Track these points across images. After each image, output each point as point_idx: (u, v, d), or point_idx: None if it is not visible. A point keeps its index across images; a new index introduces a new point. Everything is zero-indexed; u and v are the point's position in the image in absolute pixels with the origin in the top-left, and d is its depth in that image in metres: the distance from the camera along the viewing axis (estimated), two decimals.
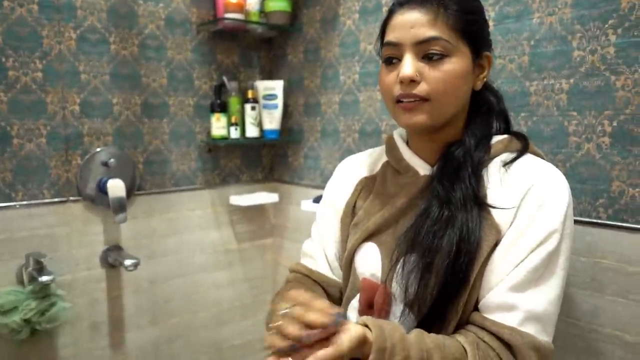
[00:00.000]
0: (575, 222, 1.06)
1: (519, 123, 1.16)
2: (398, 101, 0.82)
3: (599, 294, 1.06)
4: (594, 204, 1.06)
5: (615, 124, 1.02)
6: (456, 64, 0.80)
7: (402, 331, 0.73)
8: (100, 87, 1.52)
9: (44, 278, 1.32)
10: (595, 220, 1.05)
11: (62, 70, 1.45)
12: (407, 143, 0.94)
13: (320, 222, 1.02)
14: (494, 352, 0.75)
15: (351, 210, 0.96)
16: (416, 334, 0.74)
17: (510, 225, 0.79)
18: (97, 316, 1.57)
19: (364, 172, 0.99)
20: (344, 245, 0.96)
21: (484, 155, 0.84)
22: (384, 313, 0.84)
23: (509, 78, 1.18)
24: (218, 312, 1.85)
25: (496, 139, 0.87)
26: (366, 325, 0.72)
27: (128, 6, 1.56)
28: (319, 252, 1.00)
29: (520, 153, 0.85)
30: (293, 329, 0.67)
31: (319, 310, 0.68)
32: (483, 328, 0.77)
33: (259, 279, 1.95)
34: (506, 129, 0.91)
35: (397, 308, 0.84)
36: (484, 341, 0.76)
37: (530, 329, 0.76)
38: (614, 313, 1.04)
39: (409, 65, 0.79)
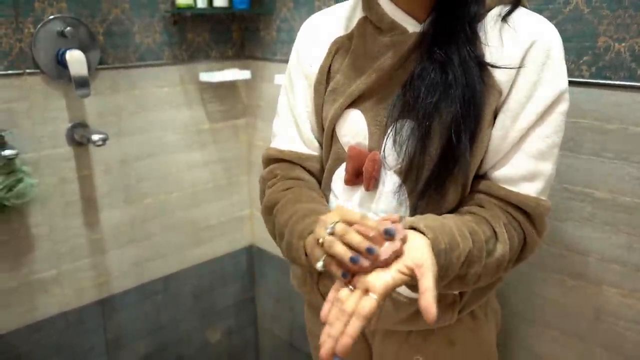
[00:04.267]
0: None
1: None
2: None
3: (574, 154, 1.07)
4: (577, 62, 1.03)
5: None
6: None
7: (445, 222, 0.72)
8: None
9: (7, 152, 1.27)
10: (577, 80, 1.03)
11: None
12: None
13: (289, 91, 0.93)
14: (519, 225, 0.76)
15: (326, 76, 0.87)
16: (453, 220, 0.73)
17: (512, 85, 0.75)
18: (69, 195, 1.54)
19: (337, 31, 0.87)
20: (318, 114, 0.88)
21: (479, 9, 0.77)
22: (374, 181, 0.81)
23: None
24: (193, 193, 1.84)
25: None
26: (413, 228, 0.70)
27: None
28: (289, 127, 0.92)
29: (515, 5, 0.78)
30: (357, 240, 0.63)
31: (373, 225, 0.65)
32: (508, 202, 0.76)
33: (233, 160, 1.92)
34: None
35: (389, 177, 0.80)
36: (510, 214, 0.76)
37: (545, 195, 0.78)
38: (587, 171, 1.06)
39: None
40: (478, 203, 0.78)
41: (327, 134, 0.86)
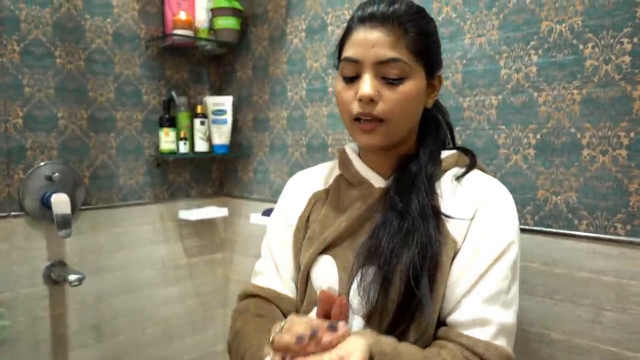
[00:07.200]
0: None
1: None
2: (356, 119, 0.83)
3: (529, 296, 1.13)
4: (522, 211, 1.13)
5: (538, 136, 1.10)
6: (412, 86, 0.82)
7: (395, 342, 0.74)
8: (44, 101, 1.51)
9: None
10: (523, 227, 1.12)
11: (5, 83, 1.43)
12: (359, 156, 0.95)
13: (272, 238, 1.00)
14: None
15: (304, 225, 0.96)
16: (405, 345, 0.75)
17: (465, 237, 0.82)
18: (39, 335, 1.53)
19: (316, 186, 0.99)
20: (297, 259, 0.95)
21: (436, 169, 0.87)
22: None
23: (445, 94, 1.25)
24: (167, 328, 1.83)
25: (445, 153, 0.90)
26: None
27: (74, 20, 1.56)
28: (270, 268, 0.98)
29: (469, 168, 0.88)
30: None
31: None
32: (460, 344, 0.78)
33: (209, 294, 1.94)
34: (452, 143, 0.96)
35: (355, 321, 0.84)
36: (464, 356, 0.77)
37: (502, 342, 0.79)
38: (542, 313, 1.11)
39: (368, 84, 0.80)
40: (439, 345, 0.81)
41: (302, 278, 0.92)
